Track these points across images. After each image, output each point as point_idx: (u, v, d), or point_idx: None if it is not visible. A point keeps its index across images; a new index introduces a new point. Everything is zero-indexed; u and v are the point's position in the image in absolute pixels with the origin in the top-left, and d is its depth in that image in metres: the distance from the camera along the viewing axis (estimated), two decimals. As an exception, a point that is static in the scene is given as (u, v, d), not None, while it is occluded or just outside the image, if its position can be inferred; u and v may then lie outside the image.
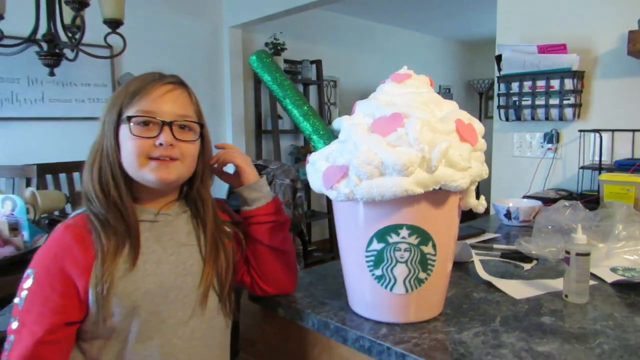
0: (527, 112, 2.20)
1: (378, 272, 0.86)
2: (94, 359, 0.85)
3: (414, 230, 0.83)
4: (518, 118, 2.25)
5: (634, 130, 1.95)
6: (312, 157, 0.91)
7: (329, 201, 4.68)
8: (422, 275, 0.86)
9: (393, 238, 0.83)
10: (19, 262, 1.49)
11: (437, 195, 0.83)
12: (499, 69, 2.26)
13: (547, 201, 1.79)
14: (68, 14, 2.08)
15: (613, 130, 2.00)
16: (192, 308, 0.90)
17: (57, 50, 2.10)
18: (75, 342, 0.86)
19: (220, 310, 0.95)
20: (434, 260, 0.86)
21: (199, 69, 3.91)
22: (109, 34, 2.06)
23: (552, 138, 2.20)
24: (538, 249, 1.29)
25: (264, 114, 4.41)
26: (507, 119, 2.30)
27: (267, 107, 4.32)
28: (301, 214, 2.94)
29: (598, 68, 2.05)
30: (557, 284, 1.08)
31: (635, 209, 1.41)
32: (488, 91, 6.46)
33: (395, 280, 0.86)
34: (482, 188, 2.48)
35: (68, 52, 2.20)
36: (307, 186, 4.12)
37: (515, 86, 2.20)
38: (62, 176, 2.92)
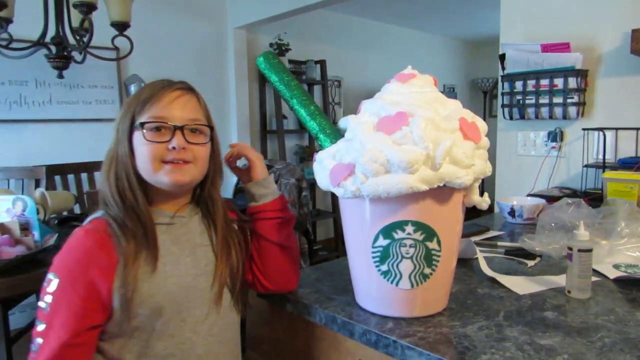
0: (531, 111, 2.22)
1: (384, 267, 0.88)
2: (114, 358, 0.88)
3: (419, 226, 0.85)
4: (522, 117, 2.26)
5: (637, 129, 1.96)
6: (319, 156, 0.93)
7: (333, 200, 4.71)
8: (427, 270, 0.88)
9: (398, 234, 0.85)
10: (30, 261, 1.52)
11: (442, 192, 0.85)
12: (503, 68, 2.27)
13: (551, 199, 1.80)
14: (76, 17, 2.11)
15: (617, 129, 2.01)
16: (208, 306, 0.93)
17: (65, 53, 2.13)
18: None
19: (233, 307, 0.99)
20: (438, 256, 0.88)
21: (204, 70, 3.93)
22: (116, 36, 2.09)
23: (556, 136, 2.21)
24: (541, 245, 1.31)
25: (269, 114, 4.43)
26: (511, 118, 2.31)
27: (272, 107, 4.34)
28: (306, 213, 2.96)
29: (602, 66, 2.06)
30: (560, 280, 1.09)
31: (638, 207, 1.42)
32: (492, 90, 6.46)
33: (401, 275, 0.88)
34: (487, 186, 2.48)
35: (76, 55, 2.23)
36: (312, 185, 4.15)
37: (519, 85, 2.21)
38: (70, 177, 2.96)
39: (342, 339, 0.95)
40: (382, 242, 0.86)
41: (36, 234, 1.62)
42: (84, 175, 3.01)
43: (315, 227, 4.75)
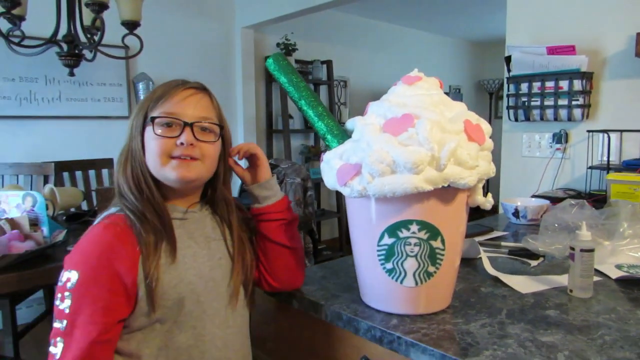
0: (536, 113, 2.23)
1: (389, 265, 0.90)
2: (132, 354, 0.88)
3: (424, 225, 0.87)
4: (527, 118, 2.27)
5: (642, 131, 1.97)
6: (326, 156, 0.95)
7: (338, 200, 4.73)
8: (431, 268, 0.90)
9: (403, 233, 0.87)
10: (39, 256, 1.55)
11: (446, 192, 0.86)
12: (509, 70, 2.28)
13: (556, 200, 1.81)
14: (87, 15, 2.13)
15: (621, 131, 2.02)
16: (224, 298, 0.95)
17: (77, 51, 2.15)
18: None
19: (246, 302, 1.01)
20: (442, 255, 0.90)
21: (211, 69, 3.96)
22: (126, 35, 2.11)
23: (560, 138, 2.22)
24: (545, 246, 1.32)
25: (275, 113, 4.46)
26: (516, 120, 2.32)
27: (278, 106, 4.37)
28: (311, 212, 2.97)
29: (606, 69, 2.07)
30: (563, 279, 1.11)
31: (641, 208, 1.43)
32: (498, 91, 6.45)
33: (406, 273, 0.89)
34: (492, 187, 2.51)
35: (86, 53, 2.26)
36: (317, 185, 4.17)
37: (524, 87, 2.22)
38: (78, 174, 2.99)
39: (348, 335, 0.97)
40: (388, 240, 0.88)
41: (45, 229, 1.64)
42: (91, 172, 3.04)
43: (320, 226, 4.77)
